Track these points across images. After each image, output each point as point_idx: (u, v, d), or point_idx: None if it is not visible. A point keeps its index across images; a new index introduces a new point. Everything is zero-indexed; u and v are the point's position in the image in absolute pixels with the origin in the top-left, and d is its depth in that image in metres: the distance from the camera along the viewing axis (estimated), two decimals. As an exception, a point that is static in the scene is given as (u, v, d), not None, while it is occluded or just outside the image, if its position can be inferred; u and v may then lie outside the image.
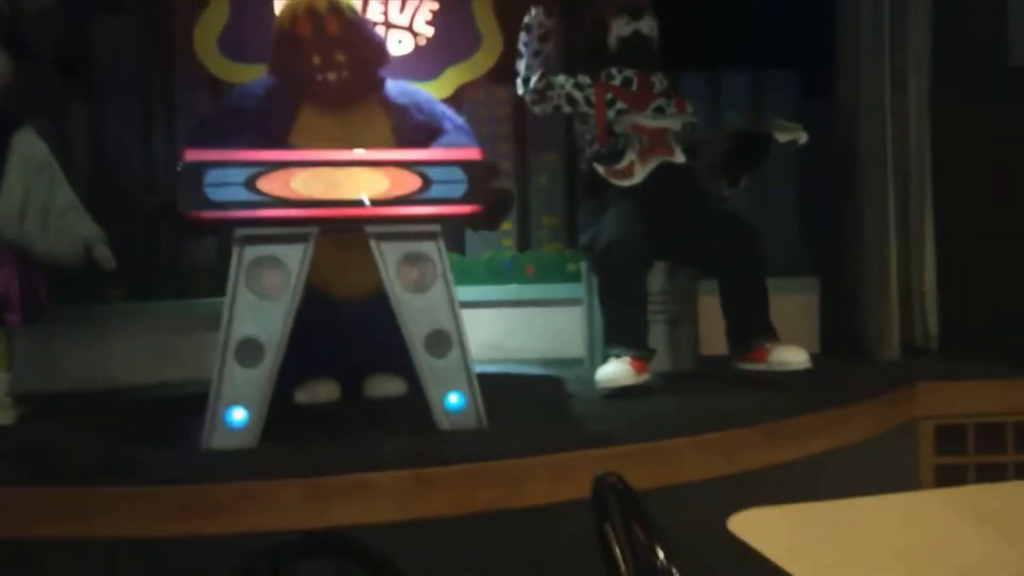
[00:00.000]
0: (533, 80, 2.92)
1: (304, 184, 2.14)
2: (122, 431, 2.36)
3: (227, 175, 2.08)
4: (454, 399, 2.22)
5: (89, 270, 2.59)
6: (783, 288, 2.89)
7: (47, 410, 2.64)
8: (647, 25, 2.98)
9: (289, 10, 2.60)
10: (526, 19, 2.85)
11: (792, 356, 2.53)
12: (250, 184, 2.09)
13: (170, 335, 3.18)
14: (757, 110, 3.59)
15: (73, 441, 2.28)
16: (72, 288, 2.89)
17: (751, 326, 2.63)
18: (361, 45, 2.60)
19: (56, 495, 1.81)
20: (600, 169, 2.85)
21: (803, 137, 2.73)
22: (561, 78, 2.98)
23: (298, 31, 2.52)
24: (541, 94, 2.94)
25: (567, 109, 2.99)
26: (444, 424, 2.21)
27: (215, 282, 2.80)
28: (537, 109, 3.00)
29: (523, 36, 2.89)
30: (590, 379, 2.66)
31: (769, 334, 2.61)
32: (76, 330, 3.07)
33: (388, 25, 3.29)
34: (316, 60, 2.53)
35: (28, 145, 2.52)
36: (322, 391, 2.66)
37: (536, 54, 2.88)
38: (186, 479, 1.84)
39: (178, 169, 2.11)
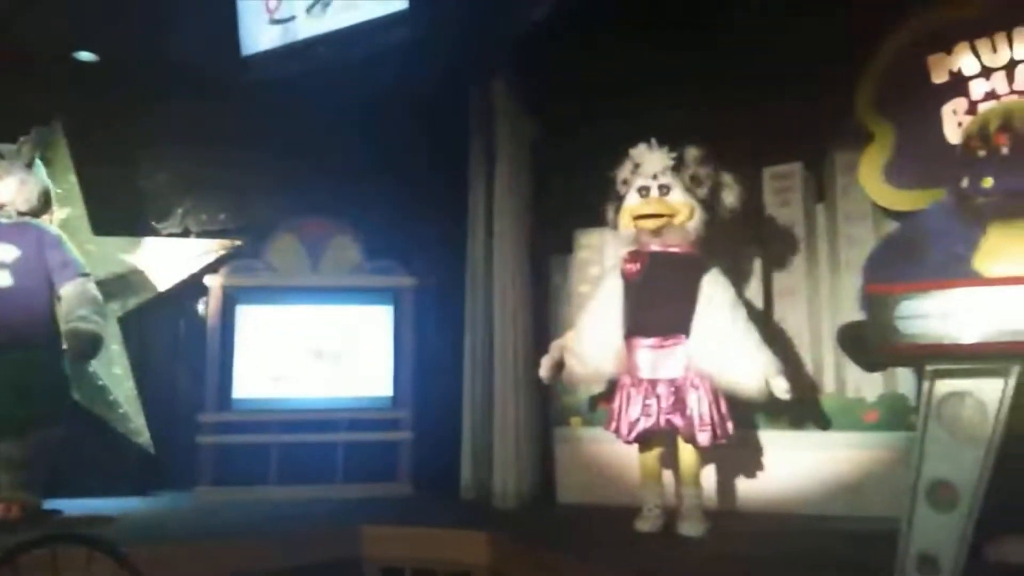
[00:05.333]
0: None
1: (998, 312, 1.95)
2: (801, 561, 2.43)
3: (914, 307, 2.03)
4: None
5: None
6: None
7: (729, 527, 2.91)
8: None
9: (970, 126, 2.47)
10: None
11: None
12: (938, 315, 2.00)
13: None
14: None
15: (759, 563, 2.42)
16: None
17: None
18: None
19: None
20: None
21: None
22: None
23: (971, 150, 2.37)
24: None
25: None
26: None
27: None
28: None
29: None
30: None
31: None
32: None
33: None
34: (988, 184, 2.31)
35: (716, 284, 2.97)
36: (1017, 549, 2.29)
37: None
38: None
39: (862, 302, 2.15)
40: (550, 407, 3.73)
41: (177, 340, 4.31)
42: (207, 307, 4.19)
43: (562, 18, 3.40)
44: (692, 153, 3.03)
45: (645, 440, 2.95)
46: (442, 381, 4.00)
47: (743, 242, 3.47)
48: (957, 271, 2.27)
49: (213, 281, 4.17)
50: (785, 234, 3.46)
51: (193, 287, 4.23)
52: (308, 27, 3.78)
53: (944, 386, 2.01)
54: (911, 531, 1.97)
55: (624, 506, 3.04)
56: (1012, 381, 1.95)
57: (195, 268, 4.24)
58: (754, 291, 3.44)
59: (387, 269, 4.27)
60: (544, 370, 3.21)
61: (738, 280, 3.25)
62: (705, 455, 2.97)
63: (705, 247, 3.07)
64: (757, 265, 3.48)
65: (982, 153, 2.37)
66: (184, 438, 3.96)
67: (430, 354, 4.19)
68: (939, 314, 1.99)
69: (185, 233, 4.39)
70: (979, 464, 1.94)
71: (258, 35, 3.88)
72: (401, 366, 4.16)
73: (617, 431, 2.98)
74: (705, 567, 2.41)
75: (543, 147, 3.90)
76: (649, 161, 3.05)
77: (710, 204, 3.01)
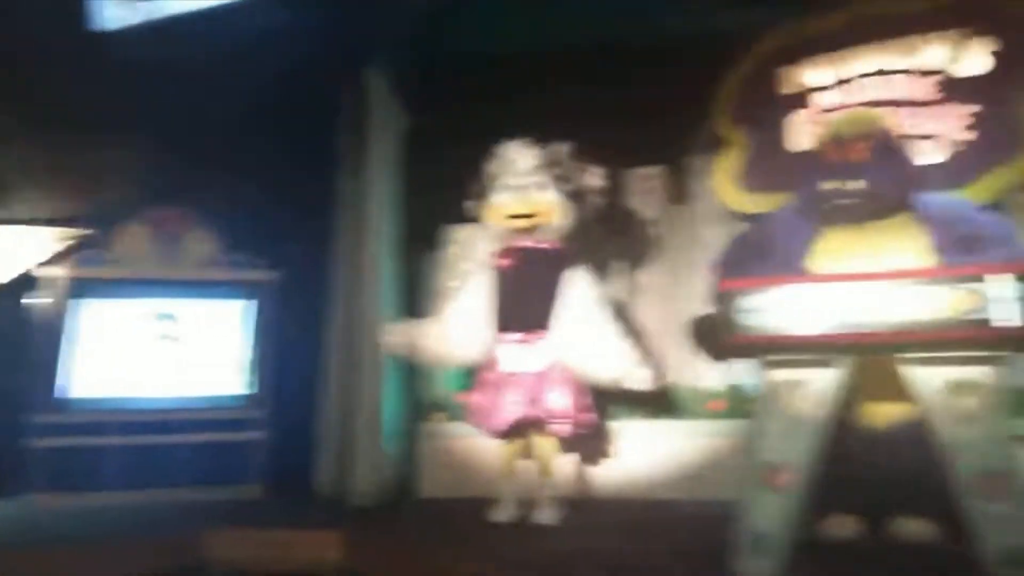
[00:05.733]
0: None
1: (831, 307, 2.09)
2: (650, 542, 2.53)
3: (755, 301, 2.14)
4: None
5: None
6: None
7: (583, 514, 2.98)
8: None
9: (825, 133, 2.65)
10: None
11: None
12: (777, 309, 2.12)
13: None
14: None
15: (609, 547, 2.49)
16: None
17: None
18: (888, 169, 2.49)
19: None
20: None
21: None
22: None
23: (826, 155, 2.53)
24: None
25: None
26: (1007, 585, 1.85)
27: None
28: None
29: None
30: None
31: None
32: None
33: (918, 136, 3.10)
34: (831, 186, 2.48)
35: (580, 280, 3.05)
36: (844, 526, 2.47)
37: None
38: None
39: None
40: (414, 404, 3.69)
41: (11, 337, 3.96)
42: (46, 301, 3.87)
43: (436, 10, 3.38)
44: (562, 151, 3.11)
45: (509, 433, 2.98)
46: (302, 378, 3.87)
47: (608, 240, 3.57)
48: (794, 269, 2.42)
49: (54, 273, 3.86)
50: (646, 233, 3.59)
51: (34, 279, 3.90)
52: (170, 6, 3.59)
53: (780, 376, 2.13)
54: (748, 512, 2.08)
55: (486, 498, 3.05)
56: (841, 371, 2.08)
57: (36, 259, 3.92)
58: (616, 287, 3.54)
59: (245, 263, 4.08)
60: (391, 336, 3.18)
61: (602, 276, 3.34)
62: (563, 445, 3.04)
63: (573, 244, 3.13)
64: (620, 263, 3.58)
65: (835, 159, 2.53)
66: (17, 441, 3.64)
67: (290, 350, 4.05)
68: (775, 309, 2.11)
69: (28, 222, 4.05)
70: (810, 449, 2.07)
71: (114, 11, 3.63)
72: (259, 363, 3.99)
73: (482, 425, 3.00)
74: (558, 553, 2.45)
75: (415, 140, 3.86)
76: (521, 158, 3.11)
77: (579, 201, 3.09)
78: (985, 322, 1.95)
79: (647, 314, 3.52)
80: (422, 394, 3.66)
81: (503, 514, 2.93)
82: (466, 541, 2.66)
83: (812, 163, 2.60)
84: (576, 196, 3.10)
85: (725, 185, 3.41)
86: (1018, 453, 1.94)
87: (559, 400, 2.89)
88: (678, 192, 3.62)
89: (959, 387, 1.99)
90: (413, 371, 3.60)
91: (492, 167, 3.16)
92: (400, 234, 3.79)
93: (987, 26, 3.02)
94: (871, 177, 2.46)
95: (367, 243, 3.68)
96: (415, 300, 3.75)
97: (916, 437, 2.09)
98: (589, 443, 3.25)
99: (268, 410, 3.93)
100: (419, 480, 3.59)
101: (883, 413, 2.39)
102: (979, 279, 1.99)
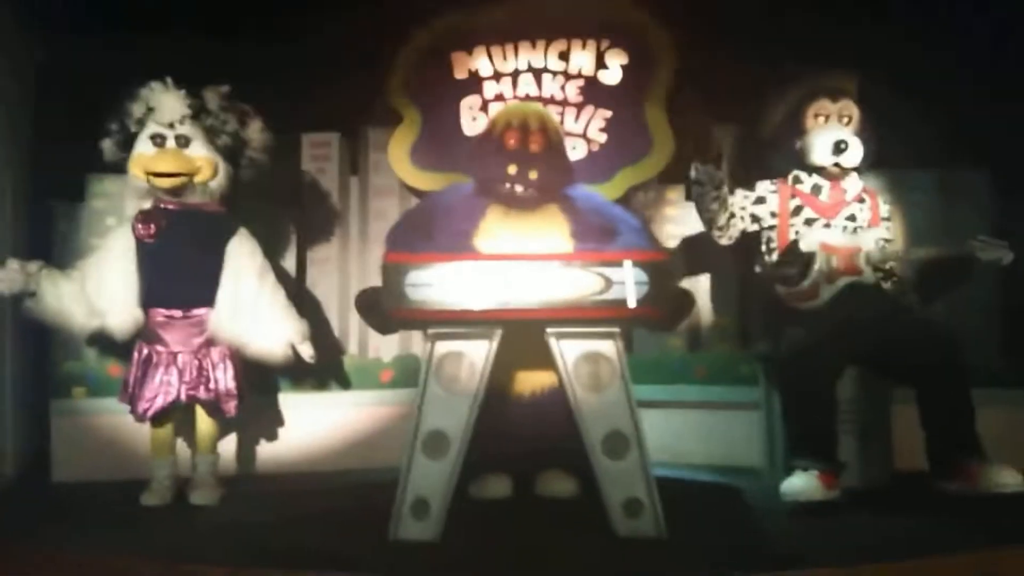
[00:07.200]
0: (719, 221, 2.84)
1: (489, 284, 2.24)
2: (312, 517, 2.51)
3: (421, 276, 2.23)
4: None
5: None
6: (987, 401, 2.63)
7: (244, 491, 2.86)
8: (850, 133, 2.81)
9: (506, 116, 2.79)
10: (692, 174, 2.70)
11: (1007, 478, 2.30)
12: (441, 284, 2.23)
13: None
14: (944, 211, 3.39)
15: (268, 524, 2.43)
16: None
17: (956, 443, 2.41)
18: (555, 165, 2.73)
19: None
20: (781, 289, 2.75)
21: (1008, 256, 2.58)
22: (740, 197, 2.90)
23: (505, 139, 2.68)
24: (725, 228, 2.87)
25: (754, 228, 2.91)
26: (622, 530, 2.17)
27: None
28: (724, 240, 2.93)
29: (695, 190, 2.75)
30: (770, 491, 2.53)
31: (977, 452, 2.38)
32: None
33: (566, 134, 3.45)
34: (512, 171, 2.65)
35: (243, 249, 2.82)
36: (495, 487, 2.69)
37: (715, 199, 2.74)
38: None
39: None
40: (46, 376, 3.22)
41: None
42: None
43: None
44: (214, 97, 2.75)
45: (162, 415, 2.73)
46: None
47: (279, 206, 3.43)
48: (459, 246, 2.56)
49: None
50: (320, 202, 3.52)
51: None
52: None
53: (442, 347, 2.25)
54: (408, 478, 2.17)
55: (133, 480, 2.79)
56: (495, 343, 2.26)
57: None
58: (287, 257, 3.43)
59: None
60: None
61: (271, 245, 3.18)
62: (225, 424, 2.88)
63: (234, 206, 2.92)
64: (292, 231, 3.47)
65: (512, 147, 2.69)
66: None
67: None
68: (440, 283, 2.22)
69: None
70: (468, 416, 2.22)
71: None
72: None
73: (132, 405, 2.71)
74: (212, 534, 2.34)
75: (48, 76, 3.32)
76: (165, 105, 2.68)
77: (239, 160, 2.83)
78: (613, 302, 2.23)
79: (319, 285, 3.46)
80: (57, 366, 3.20)
81: (153, 497, 2.70)
82: (107, 528, 2.40)
83: (486, 147, 2.75)
84: (235, 153, 2.80)
85: (399, 159, 3.48)
86: (637, 415, 2.24)
87: (221, 378, 2.72)
88: (353, 161, 3.61)
89: (590, 358, 2.25)
90: (45, 338, 3.12)
91: (134, 111, 2.71)
92: (30, 183, 3.26)
93: (621, 41, 3.46)
94: (545, 167, 2.69)
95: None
96: (56, 260, 3.23)
97: (559, 402, 2.32)
98: (253, 418, 3.12)
99: None
100: (53, 463, 3.15)
101: (533, 380, 2.66)
102: (610, 264, 2.25)
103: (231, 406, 2.74)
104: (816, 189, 2.88)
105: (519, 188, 2.66)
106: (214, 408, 2.74)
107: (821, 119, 2.87)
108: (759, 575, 1.89)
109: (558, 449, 2.55)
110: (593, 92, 3.47)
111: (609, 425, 2.23)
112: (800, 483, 2.39)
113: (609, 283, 2.23)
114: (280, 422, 3.30)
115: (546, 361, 2.31)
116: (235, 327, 2.73)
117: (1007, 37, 3.19)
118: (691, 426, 3.37)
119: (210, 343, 2.73)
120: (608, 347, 2.27)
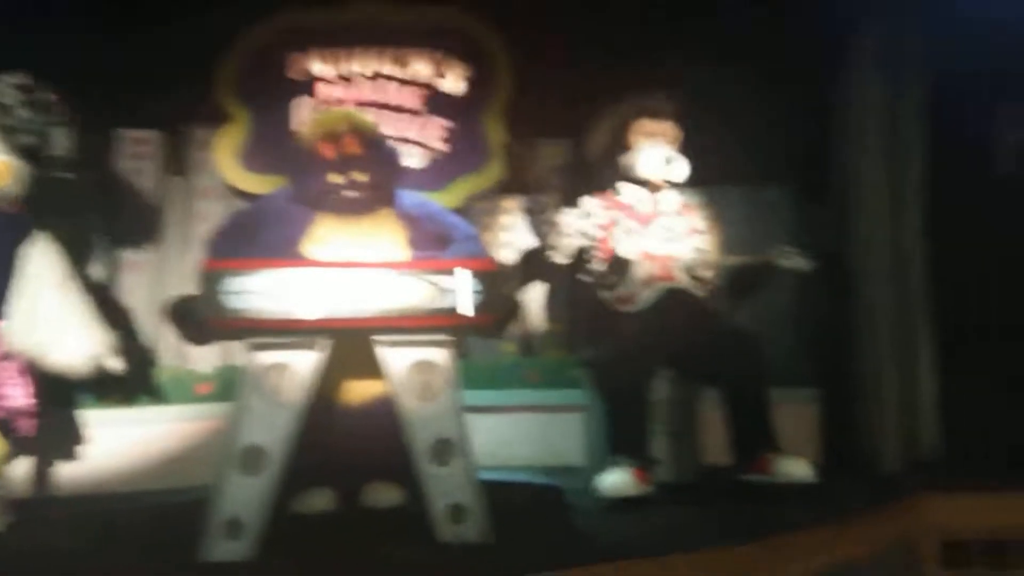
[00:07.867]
0: (551, 242, 3.01)
1: (317, 292, 2.19)
2: (118, 540, 2.35)
3: (244, 283, 2.14)
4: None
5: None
6: (782, 398, 2.88)
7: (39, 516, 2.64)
8: (670, 151, 2.98)
9: (315, 127, 2.73)
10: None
11: (795, 468, 2.54)
12: (265, 292, 2.15)
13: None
14: (751, 223, 3.69)
15: (71, 551, 2.25)
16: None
17: (754, 437, 2.64)
18: (381, 164, 2.71)
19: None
20: (604, 294, 2.89)
21: (806, 265, 2.84)
22: (569, 217, 3.03)
23: (320, 150, 2.63)
24: (558, 248, 3.01)
25: (584, 243, 3.02)
26: (446, 535, 2.19)
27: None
28: (559, 258, 3.04)
29: (526, 217, 2.89)
30: (592, 488, 2.64)
31: (772, 445, 2.62)
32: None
33: (402, 140, 3.44)
34: (336, 179, 2.61)
35: (43, 254, 2.59)
36: (319, 500, 2.63)
37: (543, 223, 2.89)
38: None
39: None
40: None
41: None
42: None
43: None
44: (11, 90, 2.52)
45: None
46: None
47: (90, 207, 3.18)
48: (286, 253, 2.49)
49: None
50: (136, 204, 3.30)
51: None
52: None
53: (265, 358, 2.17)
54: (221, 497, 2.08)
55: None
56: (322, 353, 2.21)
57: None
58: (96, 263, 3.20)
59: None
60: None
61: (78, 249, 2.95)
62: (19, 443, 2.61)
63: (37, 207, 2.67)
64: (101, 235, 3.25)
65: (330, 152, 2.63)
66: None
67: None
68: (262, 291, 2.14)
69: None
70: (290, 429, 2.15)
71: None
72: None
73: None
74: (6, 562, 2.12)
75: None
76: None
77: (38, 160, 2.60)
78: (445, 310, 2.23)
79: (133, 293, 3.27)
80: None
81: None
82: None
83: (305, 163, 2.68)
84: (37, 150, 2.59)
85: (226, 161, 3.34)
86: (464, 422, 2.26)
87: (15, 395, 2.48)
88: (176, 162, 3.41)
89: (420, 366, 2.25)
90: None
91: None
92: None
93: (458, 51, 3.51)
94: (367, 164, 2.64)
95: None
96: None
97: (386, 411, 2.30)
98: (52, 438, 2.87)
99: None
100: None
101: (359, 391, 2.60)
102: (443, 272, 2.26)
103: (27, 424, 2.50)
104: (636, 200, 3.05)
105: (351, 194, 2.62)
106: (9, 428, 2.49)
107: (644, 137, 3.03)
108: (575, 569, 1.96)
109: (385, 459, 2.52)
110: (434, 101, 3.50)
111: (437, 432, 2.23)
112: (615, 479, 2.52)
113: (441, 291, 2.24)
114: (85, 440, 3.05)
115: (376, 371, 2.29)
116: (31, 339, 2.51)
117: (800, 69, 3.49)
118: (522, 429, 3.46)
119: (3, 357, 2.49)
120: (439, 355, 2.27)
